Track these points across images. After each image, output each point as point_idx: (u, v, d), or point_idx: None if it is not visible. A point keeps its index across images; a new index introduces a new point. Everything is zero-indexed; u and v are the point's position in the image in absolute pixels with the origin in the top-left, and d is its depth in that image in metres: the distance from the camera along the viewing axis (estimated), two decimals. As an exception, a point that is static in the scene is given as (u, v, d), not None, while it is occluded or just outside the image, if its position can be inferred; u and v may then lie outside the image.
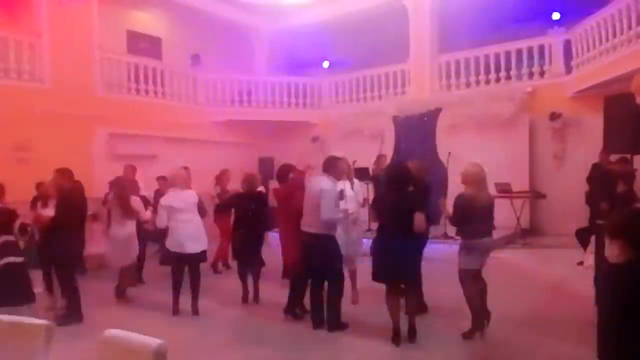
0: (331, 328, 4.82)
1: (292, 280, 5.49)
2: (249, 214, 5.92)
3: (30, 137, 8.15)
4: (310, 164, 6.15)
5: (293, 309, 5.32)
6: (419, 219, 4.32)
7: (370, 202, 5.89)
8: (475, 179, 4.66)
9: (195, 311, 5.56)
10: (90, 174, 8.36)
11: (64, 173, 5.38)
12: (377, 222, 4.63)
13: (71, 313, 5.22)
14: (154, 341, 2.12)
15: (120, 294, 6.17)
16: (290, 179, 5.85)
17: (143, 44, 12.17)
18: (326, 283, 4.96)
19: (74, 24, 9.34)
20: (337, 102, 13.26)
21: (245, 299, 6.01)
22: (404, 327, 4.48)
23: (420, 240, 4.75)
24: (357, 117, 12.13)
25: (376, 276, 4.53)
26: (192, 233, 5.55)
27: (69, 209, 5.25)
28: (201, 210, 5.81)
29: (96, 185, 7.93)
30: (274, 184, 6.12)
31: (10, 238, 5.06)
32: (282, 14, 13.02)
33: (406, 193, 4.48)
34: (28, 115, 8.20)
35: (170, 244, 5.60)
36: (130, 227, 6.08)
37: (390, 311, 4.49)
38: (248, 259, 6.01)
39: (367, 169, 9.36)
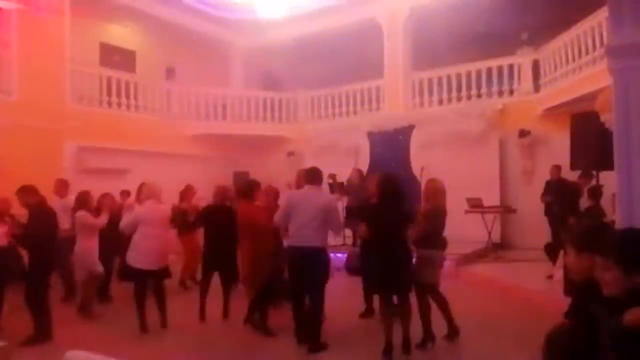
0: (314, 347, 4.60)
1: (253, 296, 5.38)
2: (221, 228, 5.78)
3: (-4, 150, 7.91)
4: (270, 186, 5.92)
5: (252, 319, 5.29)
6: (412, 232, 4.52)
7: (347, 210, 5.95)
8: (436, 193, 4.82)
9: (164, 324, 5.42)
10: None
11: (27, 190, 5.16)
12: (366, 234, 4.62)
13: (39, 332, 4.99)
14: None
15: (84, 311, 5.98)
16: (260, 197, 5.62)
17: (116, 57, 12.05)
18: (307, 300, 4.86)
19: (44, 36, 9.17)
20: (312, 117, 13.33)
21: (202, 316, 5.75)
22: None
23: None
24: (332, 132, 12.22)
25: (375, 287, 4.65)
26: (156, 248, 5.36)
27: (39, 225, 5.06)
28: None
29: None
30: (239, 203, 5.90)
31: None
32: (258, 29, 13.05)
33: (402, 205, 4.55)
34: (-6, 127, 7.98)
35: (132, 259, 5.31)
36: (85, 241, 5.95)
37: (385, 324, 4.47)
38: (221, 273, 5.88)
39: (342, 184, 9.41)
